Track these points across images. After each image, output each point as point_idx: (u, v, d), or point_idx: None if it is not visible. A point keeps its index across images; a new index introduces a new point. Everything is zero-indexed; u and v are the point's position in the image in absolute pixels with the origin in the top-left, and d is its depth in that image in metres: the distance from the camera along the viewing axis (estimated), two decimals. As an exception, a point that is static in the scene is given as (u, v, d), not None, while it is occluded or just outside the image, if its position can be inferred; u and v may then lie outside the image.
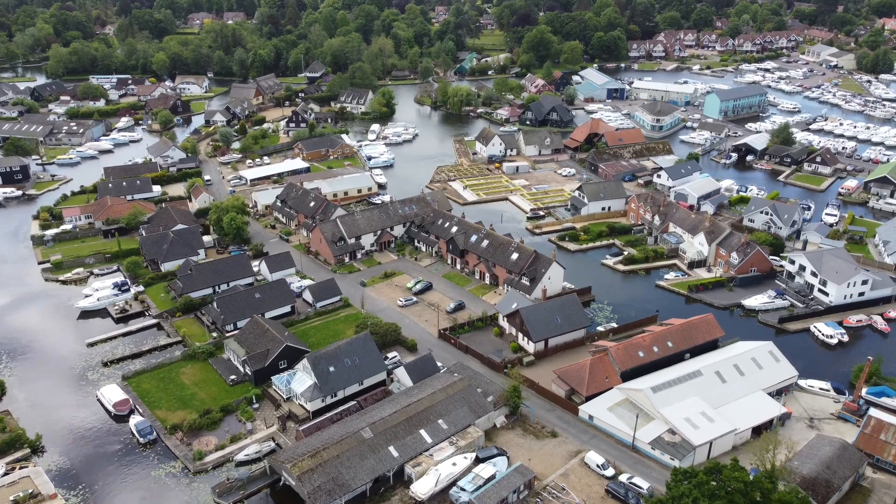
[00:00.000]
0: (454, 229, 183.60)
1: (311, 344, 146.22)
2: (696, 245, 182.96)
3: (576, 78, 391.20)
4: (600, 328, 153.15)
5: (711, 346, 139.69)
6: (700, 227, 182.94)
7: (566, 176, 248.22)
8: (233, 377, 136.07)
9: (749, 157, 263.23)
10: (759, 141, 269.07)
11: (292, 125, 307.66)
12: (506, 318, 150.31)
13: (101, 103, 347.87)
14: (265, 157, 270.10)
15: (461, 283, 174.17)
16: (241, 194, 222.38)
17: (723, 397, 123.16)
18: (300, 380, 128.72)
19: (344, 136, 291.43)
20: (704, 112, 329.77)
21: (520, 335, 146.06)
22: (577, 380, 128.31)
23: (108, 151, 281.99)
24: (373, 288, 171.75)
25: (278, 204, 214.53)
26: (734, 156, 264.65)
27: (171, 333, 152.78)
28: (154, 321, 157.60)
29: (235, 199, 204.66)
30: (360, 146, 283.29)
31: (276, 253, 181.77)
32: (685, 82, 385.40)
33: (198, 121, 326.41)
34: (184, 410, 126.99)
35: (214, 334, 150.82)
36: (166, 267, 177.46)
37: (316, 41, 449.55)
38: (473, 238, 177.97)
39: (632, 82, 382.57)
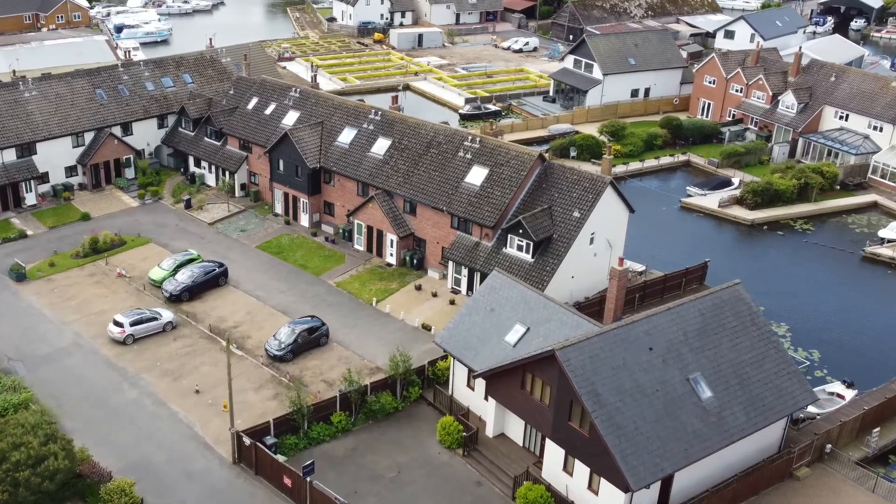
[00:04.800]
0: (292, 117, 76.83)
1: None
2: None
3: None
4: (826, 400, 50.56)
5: None
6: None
7: (520, 52, 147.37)
8: None
9: (857, 23, 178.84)
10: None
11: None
12: (483, 384, 45.47)
13: None
14: None
15: (315, 267, 68.05)
16: None
17: None
18: None
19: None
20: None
21: (547, 447, 41.48)
22: None
23: None
24: (47, 283, 64.01)
25: None
26: (829, 20, 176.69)
27: None
28: None
29: None
30: (109, 14, 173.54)
31: None
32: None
33: None
34: None
35: None
36: None
37: None
38: (348, 136, 71.95)
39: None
